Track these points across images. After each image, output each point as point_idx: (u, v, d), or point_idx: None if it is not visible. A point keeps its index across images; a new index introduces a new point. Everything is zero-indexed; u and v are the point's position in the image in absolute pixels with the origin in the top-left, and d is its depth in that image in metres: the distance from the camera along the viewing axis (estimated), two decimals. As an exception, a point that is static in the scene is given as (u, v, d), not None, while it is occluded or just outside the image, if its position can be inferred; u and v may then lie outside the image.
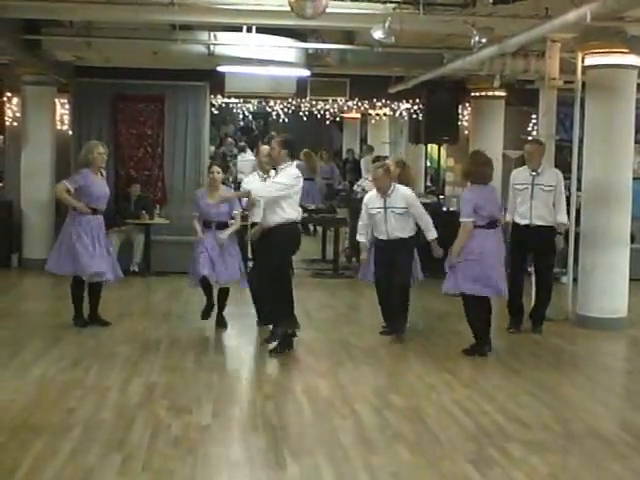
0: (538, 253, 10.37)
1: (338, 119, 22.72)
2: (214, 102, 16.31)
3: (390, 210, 9.65)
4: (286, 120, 19.72)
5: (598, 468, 6.03)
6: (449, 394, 7.76)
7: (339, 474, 5.77)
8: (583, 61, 10.77)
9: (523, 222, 10.25)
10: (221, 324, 10.25)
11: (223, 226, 10.02)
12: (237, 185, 20.74)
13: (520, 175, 10.46)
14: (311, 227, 18.97)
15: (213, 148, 21.29)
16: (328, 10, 8.33)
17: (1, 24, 11.00)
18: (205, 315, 10.20)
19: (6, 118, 15.49)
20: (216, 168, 10.23)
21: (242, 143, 23.51)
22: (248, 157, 21.63)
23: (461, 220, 9.08)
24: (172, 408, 7.11)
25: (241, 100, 17.93)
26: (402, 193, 9.72)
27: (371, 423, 6.86)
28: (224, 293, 10.28)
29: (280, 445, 6.30)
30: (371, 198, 9.90)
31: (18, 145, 15.19)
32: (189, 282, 10.29)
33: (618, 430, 6.97)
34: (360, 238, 10.06)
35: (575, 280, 11.09)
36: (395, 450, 6.22)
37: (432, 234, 9.70)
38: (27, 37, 12.48)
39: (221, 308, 10.30)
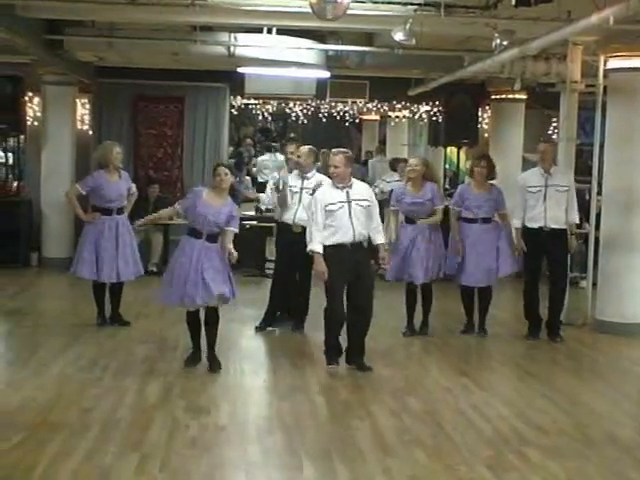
0: (552, 257, 10.25)
1: (357, 121, 22.69)
2: (234, 103, 16.33)
3: (355, 203, 8.42)
4: (305, 122, 19.73)
5: (616, 475, 6.01)
6: (466, 398, 7.74)
7: (355, 476, 5.76)
8: (605, 64, 10.70)
9: (536, 225, 10.07)
10: (213, 366, 8.49)
11: (215, 237, 8.43)
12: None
13: (533, 177, 10.25)
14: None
15: (232, 149, 21.28)
16: (349, 12, 8.32)
17: (23, 24, 11.04)
18: (190, 362, 8.58)
19: (27, 117, 15.54)
20: (223, 169, 8.54)
21: (275, 143, 23.49)
22: (274, 157, 21.64)
23: (505, 211, 10.36)
24: (189, 409, 7.12)
25: (260, 101, 17.93)
26: (363, 185, 8.80)
27: (388, 426, 6.85)
28: (213, 318, 8.52)
29: (296, 447, 6.30)
30: (327, 194, 8.53)
31: (38, 145, 15.25)
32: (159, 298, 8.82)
33: (637, 437, 6.93)
34: (317, 247, 8.37)
35: (595, 285, 11.03)
36: (412, 453, 6.21)
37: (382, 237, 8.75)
38: (49, 37, 12.53)
39: (211, 343, 8.56)
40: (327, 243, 8.34)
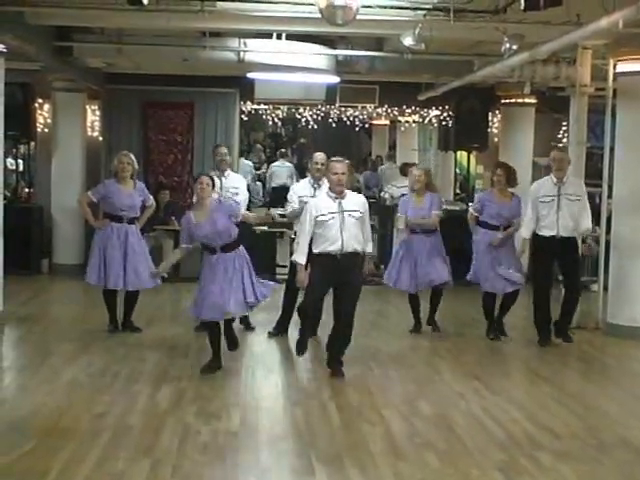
0: (564, 265, 10.19)
1: (367, 126, 22.69)
2: (243, 109, 16.35)
3: (347, 214, 8.34)
4: (315, 127, 19.73)
5: (628, 478, 5.99)
6: (478, 402, 7.72)
7: (367, 481, 5.76)
8: (615, 68, 10.70)
9: (548, 234, 9.97)
10: (232, 345, 8.75)
11: (229, 247, 8.51)
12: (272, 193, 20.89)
13: (545, 186, 10.11)
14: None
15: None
16: (358, 17, 8.33)
17: (33, 31, 11.09)
18: (207, 370, 8.50)
19: (37, 124, 15.60)
20: (205, 179, 8.56)
21: (283, 150, 23.50)
22: (287, 164, 21.67)
23: (518, 220, 10.31)
24: (201, 414, 7.12)
25: (270, 107, 17.95)
26: (357, 196, 8.74)
27: (399, 430, 6.84)
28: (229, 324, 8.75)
29: (308, 452, 6.29)
30: (319, 203, 8.53)
31: (49, 151, 15.31)
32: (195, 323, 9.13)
33: (649, 440, 6.91)
34: (300, 258, 8.46)
35: (606, 288, 11.00)
36: (424, 458, 6.20)
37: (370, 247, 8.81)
38: (58, 44, 12.58)
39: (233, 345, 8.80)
40: (315, 250, 8.32)
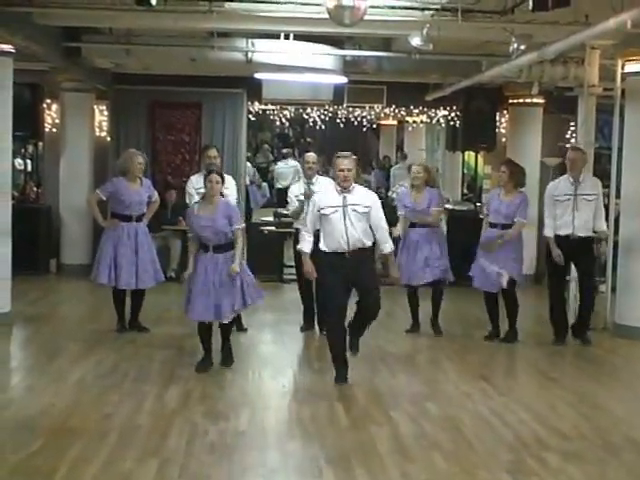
0: (579, 265, 10.21)
1: (375, 126, 22.68)
2: (251, 109, 16.36)
3: (351, 208, 8.14)
4: (323, 127, 19.74)
5: (636, 479, 5.97)
6: (485, 402, 7.72)
7: (375, 482, 5.76)
8: (623, 68, 10.69)
9: (563, 233, 10.00)
10: (226, 361, 8.80)
11: (222, 248, 8.53)
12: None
13: (561, 185, 10.15)
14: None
15: (249, 154, 21.27)
16: (366, 17, 8.33)
17: (42, 31, 11.11)
18: (201, 368, 8.58)
19: (46, 124, 15.63)
20: (215, 177, 8.52)
21: (286, 150, 23.40)
22: (291, 164, 21.60)
23: (521, 221, 10.08)
24: (208, 414, 7.12)
25: (278, 107, 17.96)
26: (364, 191, 8.49)
27: (407, 431, 6.83)
28: (226, 327, 8.79)
29: (316, 452, 6.29)
30: (324, 197, 8.38)
31: (57, 151, 15.35)
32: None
33: (657, 441, 6.89)
34: (304, 247, 8.37)
35: (614, 289, 10.98)
36: (431, 458, 6.19)
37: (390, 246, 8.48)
38: (67, 44, 12.60)
39: (225, 337, 8.81)
40: (323, 248, 8.21)
